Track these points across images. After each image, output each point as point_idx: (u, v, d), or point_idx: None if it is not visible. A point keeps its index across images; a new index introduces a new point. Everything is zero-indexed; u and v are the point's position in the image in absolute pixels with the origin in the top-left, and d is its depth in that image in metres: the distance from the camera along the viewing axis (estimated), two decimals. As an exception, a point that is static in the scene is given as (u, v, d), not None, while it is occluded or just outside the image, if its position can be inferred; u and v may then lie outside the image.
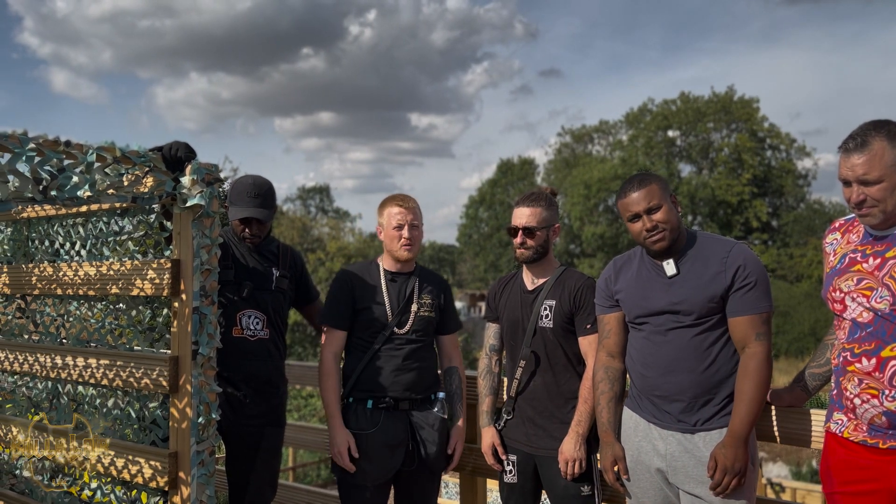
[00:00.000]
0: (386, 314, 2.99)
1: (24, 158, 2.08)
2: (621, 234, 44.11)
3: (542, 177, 54.63)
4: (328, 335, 3.04)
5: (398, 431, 2.95)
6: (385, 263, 3.10)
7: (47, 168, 2.13)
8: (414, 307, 3.02)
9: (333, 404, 2.95)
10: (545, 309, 2.83)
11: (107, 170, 2.27)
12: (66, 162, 2.20)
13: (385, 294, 3.02)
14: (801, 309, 35.04)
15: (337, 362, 3.04)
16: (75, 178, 2.17)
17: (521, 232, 2.84)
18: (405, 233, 2.98)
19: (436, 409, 3.02)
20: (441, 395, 3.05)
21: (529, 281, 2.93)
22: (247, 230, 3.10)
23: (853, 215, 2.26)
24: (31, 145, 2.10)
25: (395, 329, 2.99)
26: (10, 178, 2.07)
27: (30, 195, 2.10)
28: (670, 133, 49.70)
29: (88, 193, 2.20)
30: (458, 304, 37.04)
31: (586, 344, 2.78)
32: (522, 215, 2.86)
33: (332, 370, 3.00)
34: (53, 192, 2.13)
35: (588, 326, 2.77)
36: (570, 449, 2.71)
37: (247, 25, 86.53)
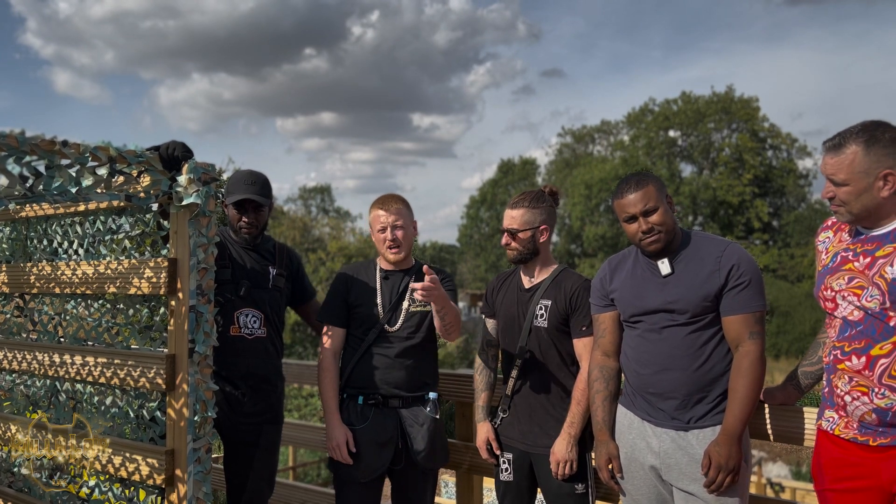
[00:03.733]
0: (377, 311, 3.03)
1: (13, 158, 2.09)
2: (622, 235, 44.07)
3: (543, 177, 54.66)
4: (326, 333, 3.08)
5: (387, 428, 2.97)
6: (381, 262, 3.15)
7: (33, 166, 2.14)
8: (405, 304, 3.04)
9: (331, 400, 3.00)
10: (540, 308, 2.84)
11: (99, 170, 2.28)
12: (63, 161, 2.21)
13: (378, 291, 3.06)
14: (802, 309, 35.00)
15: (335, 359, 3.07)
16: (60, 177, 2.18)
17: (506, 234, 2.90)
18: (388, 235, 3.02)
19: (427, 408, 3.03)
20: (433, 395, 3.05)
21: (527, 279, 2.95)
22: (243, 218, 3.11)
23: None
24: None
25: (387, 326, 3.01)
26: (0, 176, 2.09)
27: (20, 192, 2.11)
28: (671, 133, 49.72)
29: (74, 188, 2.21)
30: (459, 305, 36.91)
31: (581, 346, 2.80)
32: (507, 217, 2.92)
33: (329, 366, 3.04)
34: (41, 188, 2.14)
35: (583, 328, 2.78)
36: (561, 450, 2.73)
37: (249, 26, 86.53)
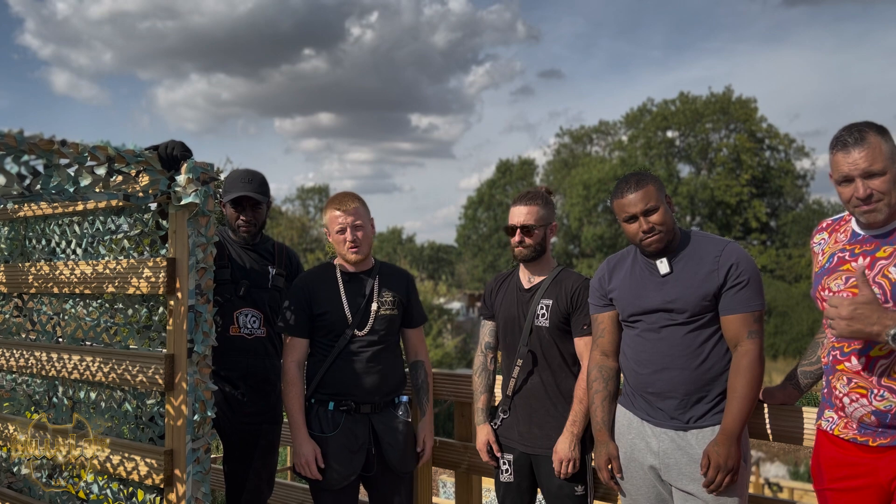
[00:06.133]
0: (345, 317, 2.93)
1: (11, 157, 2.09)
2: (620, 235, 44.07)
3: (541, 177, 54.67)
4: (289, 344, 2.97)
5: (359, 435, 2.90)
6: (340, 264, 3.04)
7: (31, 165, 2.14)
8: (374, 307, 2.95)
9: (297, 413, 2.90)
10: (541, 308, 2.84)
11: (98, 169, 2.28)
12: (62, 161, 2.21)
13: (343, 296, 2.96)
14: (800, 309, 35.04)
15: (300, 371, 2.97)
16: (58, 176, 2.18)
17: (518, 230, 2.85)
18: (348, 236, 2.92)
19: (399, 412, 2.98)
20: (405, 398, 3.00)
21: (526, 279, 2.94)
22: (241, 217, 3.11)
23: (840, 215, 2.28)
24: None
25: (356, 331, 2.92)
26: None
27: (17, 191, 2.11)
28: (669, 133, 49.76)
29: (72, 188, 2.21)
30: (457, 305, 36.87)
31: (582, 345, 2.79)
32: (520, 213, 2.86)
33: (294, 379, 2.92)
34: (38, 187, 2.14)
35: (584, 327, 2.78)
36: (564, 449, 2.73)
37: (248, 27, 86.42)
